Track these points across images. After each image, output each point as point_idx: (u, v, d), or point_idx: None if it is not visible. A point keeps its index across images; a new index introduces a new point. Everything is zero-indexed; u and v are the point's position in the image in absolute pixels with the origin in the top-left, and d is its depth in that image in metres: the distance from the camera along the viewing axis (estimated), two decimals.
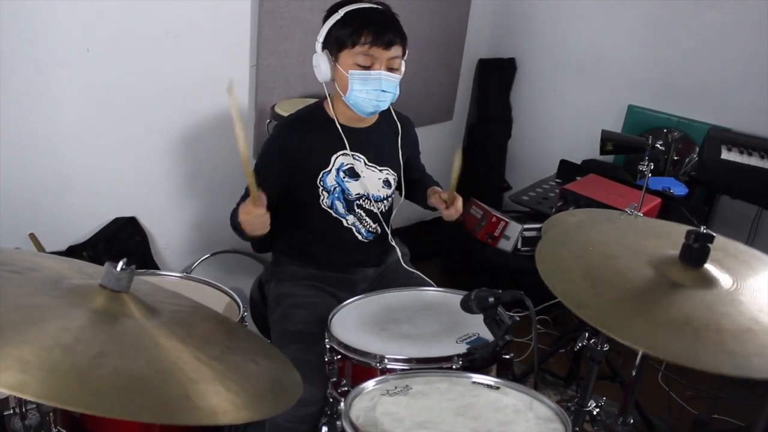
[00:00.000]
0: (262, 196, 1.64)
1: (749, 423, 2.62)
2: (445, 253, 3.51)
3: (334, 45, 1.82)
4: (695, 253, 1.17)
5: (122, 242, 2.53)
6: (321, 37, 1.85)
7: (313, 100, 2.09)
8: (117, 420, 1.10)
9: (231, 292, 1.84)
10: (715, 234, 1.17)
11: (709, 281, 1.18)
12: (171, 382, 0.94)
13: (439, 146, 3.98)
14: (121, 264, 1.09)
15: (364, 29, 1.78)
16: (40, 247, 2.27)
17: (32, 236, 2.27)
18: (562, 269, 1.18)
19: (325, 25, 1.84)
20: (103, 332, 0.98)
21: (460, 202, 1.95)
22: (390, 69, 1.83)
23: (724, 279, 1.20)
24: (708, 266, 1.20)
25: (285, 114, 2.52)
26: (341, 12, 1.81)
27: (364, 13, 1.82)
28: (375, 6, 1.86)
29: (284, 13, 2.67)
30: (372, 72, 1.80)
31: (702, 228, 1.17)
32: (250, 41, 2.66)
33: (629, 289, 1.13)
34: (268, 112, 2.74)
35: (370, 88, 1.82)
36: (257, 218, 1.68)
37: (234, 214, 1.89)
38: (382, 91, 1.82)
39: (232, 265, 2.88)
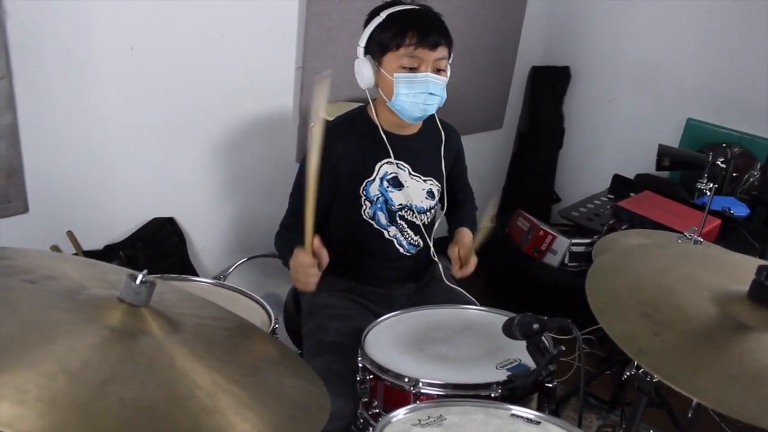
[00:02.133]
0: (317, 241, 1.61)
1: None
2: (489, 267, 3.41)
3: (377, 49, 1.76)
4: (767, 291, 1.05)
5: (159, 243, 2.49)
6: (363, 42, 1.78)
7: (357, 104, 2.03)
8: None
9: (263, 302, 1.78)
10: None
11: None
12: (182, 413, 0.87)
13: (488, 155, 3.91)
14: (140, 276, 1.03)
15: (409, 30, 1.71)
16: (77, 245, 2.25)
17: (70, 234, 2.25)
18: (616, 305, 1.07)
19: (366, 29, 1.78)
20: (114, 353, 0.92)
21: (471, 267, 1.90)
22: (437, 71, 1.75)
23: None
24: None
25: (330, 118, 2.46)
26: (383, 15, 1.75)
27: (408, 14, 1.75)
28: (417, 7, 1.79)
29: (332, 14, 2.61)
30: (419, 74, 1.73)
31: None
32: (297, 43, 2.60)
33: (692, 331, 1.01)
34: (311, 115, 2.68)
35: (416, 92, 1.74)
36: (306, 269, 1.64)
37: (281, 240, 1.84)
38: (430, 94, 1.75)
39: (270, 270, 2.82)
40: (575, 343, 2.76)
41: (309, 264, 1.64)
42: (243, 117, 2.58)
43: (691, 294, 1.10)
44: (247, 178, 2.70)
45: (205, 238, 2.66)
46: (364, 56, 1.79)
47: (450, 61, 1.81)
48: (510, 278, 3.27)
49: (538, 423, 1.25)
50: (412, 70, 1.74)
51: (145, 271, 1.04)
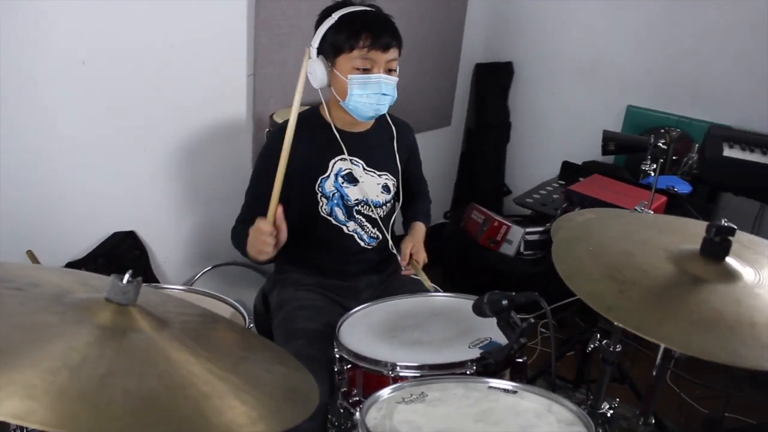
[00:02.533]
0: (279, 210, 1.65)
1: (761, 420, 2.60)
2: (447, 259, 3.48)
3: (331, 50, 1.79)
4: (717, 247, 1.14)
5: (121, 257, 2.49)
6: (315, 43, 1.81)
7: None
8: None
9: (235, 303, 1.80)
10: (735, 227, 1.15)
11: (732, 275, 1.15)
12: (183, 399, 0.91)
13: (439, 152, 3.98)
14: (127, 276, 1.06)
15: (362, 33, 1.75)
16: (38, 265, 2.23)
17: (30, 253, 2.23)
18: (582, 270, 1.15)
19: (318, 30, 1.81)
20: (110, 349, 0.95)
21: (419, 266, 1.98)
22: (388, 71, 1.81)
23: (746, 272, 1.17)
24: (729, 259, 1.17)
25: (279, 121, 2.50)
26: (335, 16, 1.79)
27: (360, 16, 1.79)
28: (369, 9, 1.83)
29: (281, 21, 2.65)
30: (372, 75, 1.78)
31: (723, 221, 1.14)
32: (247, 50, 2.63)
33: (653, 287, 1.10)
34: (266, 122, 2.72)
35: (370, 92, 1.79)
36: (263, 236, 1.68)
37: (236, 233, 1.86)
38: (382, 94, 1.80)
39: (234, 278, 2.84)
40: (537, 327, 2.84)
41: (267, 232, 1.68)
42: (197, 126, 2.60)
43: (650, 255, 1.18)
44: (204, 187, 2.71)
45: (166, 249, 2.66)
46: (317, 57, 1.83)
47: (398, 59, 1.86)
48: (468, 270, 3.35)
49: (515, 392, 1.31)
50: (366, 71, 1.78)
51: (130, 271, 1.07)
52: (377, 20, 1.81)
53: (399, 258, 1.99)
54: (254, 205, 1.92)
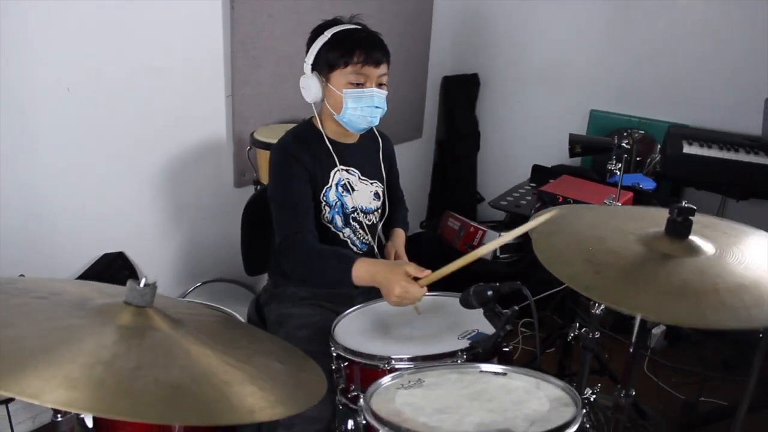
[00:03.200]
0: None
1: (732, 402, 2.73)
2: (426, 267, 3.55)
3: (325, 66, 1.89)
4: (680, 226, 1.27)
5: (112, 278, 2.54)
6: (310, 59, 1.91)
7: (289, 125, 2.15)
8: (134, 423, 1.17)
9: (233, 312, 1.87)
10: (695, 207, 1.27)
11: (696, 250, 1.27)
12: (207, 386, 0.99)
13: (412, 163, 4.09)
14: (143, 281, 1.15)
15: (356, 49, 1.85)
16: None
17: (22, 278, 2.28)
18: (561, 256, 1.26)
19: (312, 47, 1.91)
20: (136, 346, 1.03)
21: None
22: (379, 85, 1.92)
23: (708, 247, 1.29)
24: (692, 237, 1.29)
25: (265, 140, 2.58)
26: (327, 34, 1.89)
27: (352, 33, 1.90)
28: (359, 27, 1.94)
29: (256, 43, 2.75)
30: (365, 90, 1.88)
31: (684, 202, 1.26)
32: (225, 72, 2.72)
33: (626, 266, 1.22)
34: (245, 140, 2.80)
35: (363, 105, 1.89)
36: (412, 296, 1.74)
37: (311, 250, 1.90)
38: (375, 107, 1.90)
39: (222, 294, 2.91)
40: (517, 327, 2.94)
41: (419, 297, 1.75)
42: (180, 147, 2.67)
43: (621, 240, 1.30)
44: (189, 206, 2.78)
45: (155, 268, 2.73)
46: (311, 73, 1.93)
47: None
48: (447, 275, 3.44)
49: (505, 374, 1.41)
50: (359, 85, 1.88)
51: (146, 276, 1.15)
52: (369, 37, 1.91)
53: None
54: (299, 215, 1.93)
